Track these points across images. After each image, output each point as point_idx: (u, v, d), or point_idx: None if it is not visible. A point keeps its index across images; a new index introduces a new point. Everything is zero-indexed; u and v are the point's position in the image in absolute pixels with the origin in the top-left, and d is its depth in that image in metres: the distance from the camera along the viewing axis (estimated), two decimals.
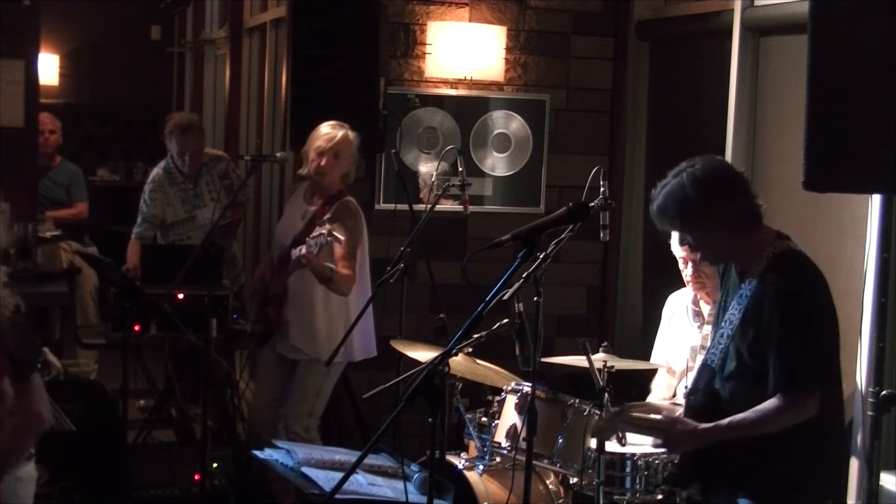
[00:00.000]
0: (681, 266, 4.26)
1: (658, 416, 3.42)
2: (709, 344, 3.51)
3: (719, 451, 3.30)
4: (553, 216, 3.25)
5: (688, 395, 3.48)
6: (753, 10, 4.85)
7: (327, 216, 4.84)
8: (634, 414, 3.49)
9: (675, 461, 3.66)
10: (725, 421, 3.25)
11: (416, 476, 3.27)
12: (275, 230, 6.74)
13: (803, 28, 3.17)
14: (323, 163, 4.93)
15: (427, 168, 5.85)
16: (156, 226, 6.35)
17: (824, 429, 3.26)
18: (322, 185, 5.01)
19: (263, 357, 5.32)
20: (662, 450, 3.51)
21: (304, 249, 4.76)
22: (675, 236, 4.24)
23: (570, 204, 3.25)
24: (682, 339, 4.37)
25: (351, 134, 4.99)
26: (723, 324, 3.35)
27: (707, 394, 3.35)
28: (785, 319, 3.17)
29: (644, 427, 3.47)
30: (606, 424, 3.63)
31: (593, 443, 3.92)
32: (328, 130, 4.96)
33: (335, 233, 4.66)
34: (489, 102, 5.96)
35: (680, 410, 3.54)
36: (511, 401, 4.10)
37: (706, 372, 3.38)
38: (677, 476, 3.59)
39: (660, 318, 4.54)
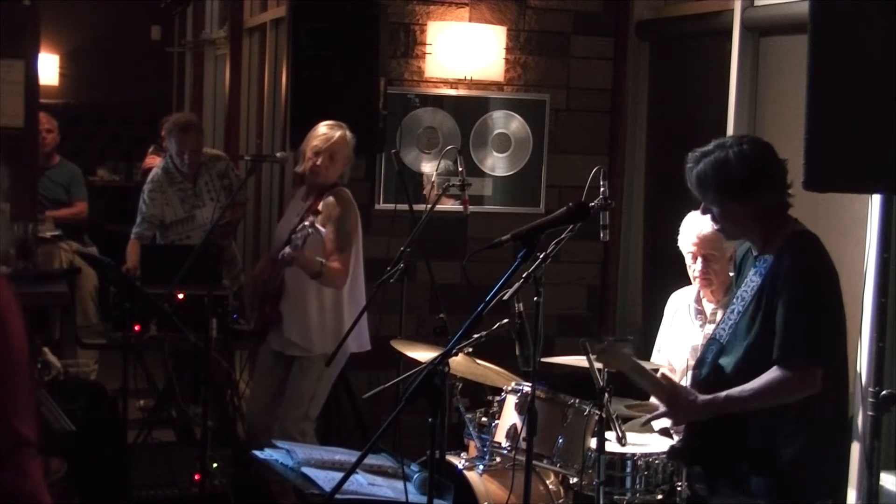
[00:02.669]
0: (688, 261, 4.26)
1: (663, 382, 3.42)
2: (719, 318, 3.51)
3: (723, 437, 3.30)
4: (553, 216, 3.26)
5: (694, 368, 3.48)
6: (753, 10, 4.85)
7: (317, 207, 4.87)
8: (641, 363, 3.48)
9: (681, 439, 3.63)
10: (724, 393, 3.24)
11: (416, 476, 3.27)
12: (275, 230, 6.76)
13: (803, 28, 3.17)
14: (318, 162, 4.94)
15: (428, 168, 5.85)
16: (155, 225, 6.35)
17: (827, 415, 3.26)
18: (317, 184, 5.02)
19: (260, 357, 5.32)
20: (664, 420, 3.49)
21: (289, 248, 4.79)
22: (683, 234, 4.25)
23: (570, 204, 3.25)
24: (684, 337, 4.37)
25: (348, 135, 4.99)
26: (735, 300, 3.36)
27: (713, 367, 3.35)
28: (794, 293, 3.17)
29: (647, 378, 3.44)
30: (611, 349, 3.49)
31: (593, 443, 3.92)
32: (325, 130, 4.97)
33: (317, 224, 4.69)
34: (489, 102, 5.97)
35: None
36: (511, 401, 4.10)
37: (714, 346, 3.38)
38: (680, 451, 3.56)
39: (660, 318, 4.54)
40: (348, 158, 5.04)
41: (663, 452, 4.00)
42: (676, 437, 3.83)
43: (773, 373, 3.18)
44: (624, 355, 3.47)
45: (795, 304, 3.17)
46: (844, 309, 3.31)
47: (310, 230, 4.70)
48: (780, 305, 3.18)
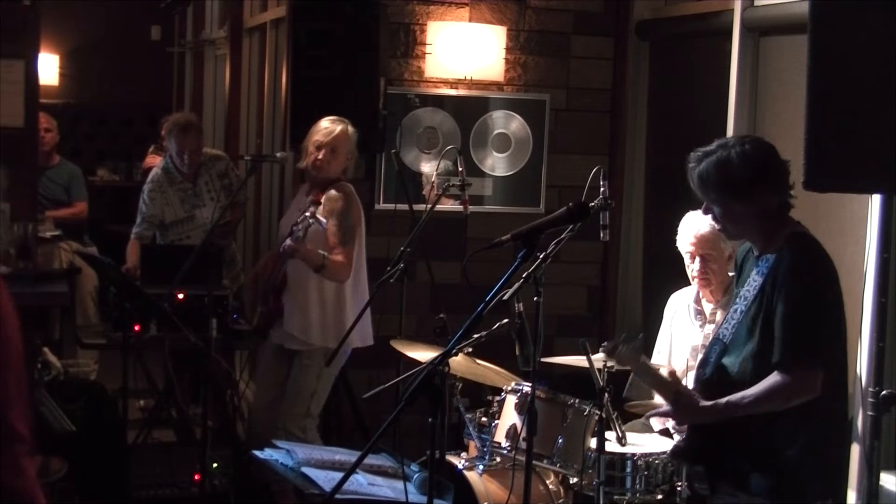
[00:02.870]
0: (687, 261, 4.26)
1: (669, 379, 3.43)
2: (719, 319, 3.52)
3: (725, 437, 3.30)
4: (553, 216, 3.25)
5: (698, 368, 3.48)
6: (753, 10, 4.85)
7: (319, 199, 4.88)
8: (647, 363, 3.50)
9: (683, 441, 3.64)
10: (724, 399, 3.24)
11: (416, 476, 3.27)
12: (275, 229, 6.75)
13: (803, 28, 3.17)
14: (320, 156, 4.95)
15: (428, 168, 5.85)
16: (155, 225, 6.34)
17: (827, 415, 3.26)
18: (320, 179, 5.03)
19: (261, 353, 5.32)
20: (669, 420, 3.50)
21: (290, 240, 4.80)
22: (681, 234, 4.25)
23: (570, 204, 3.25)
24: (684, 338, 4.37)
25: (350, 129, 5.00)
26: (737, 300, 3.37)
27: (716, 368, 3.35)
28: (793, 295, 3.17)
29: (654, 378, 3.46)
30: (623, 350, 3.52)
31: (593, 443, 3.92)
32: (327, 125, 4.99)
33: (318, 215, 4.72)
34: (489, 102, 5.96)
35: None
36: (511, 401, 4.10)
37: (717, 346, 3.38)
38: (683, 451, 3.56)
39: (660, 318, 4.55)
40: (350, 153, 5.04)
41: (663, 452, 4.00)
42: (677, 437, 3.83)
43: (773, 377, 3.18)
44: (633, 355, 3.48)
45: (795, 306, 3.17)
46: (844, 309, 3.31)
47: (310, 220, 4.72)
48: (780, 308, 3.18)
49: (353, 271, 4.99)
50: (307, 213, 4.74)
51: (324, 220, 4.76)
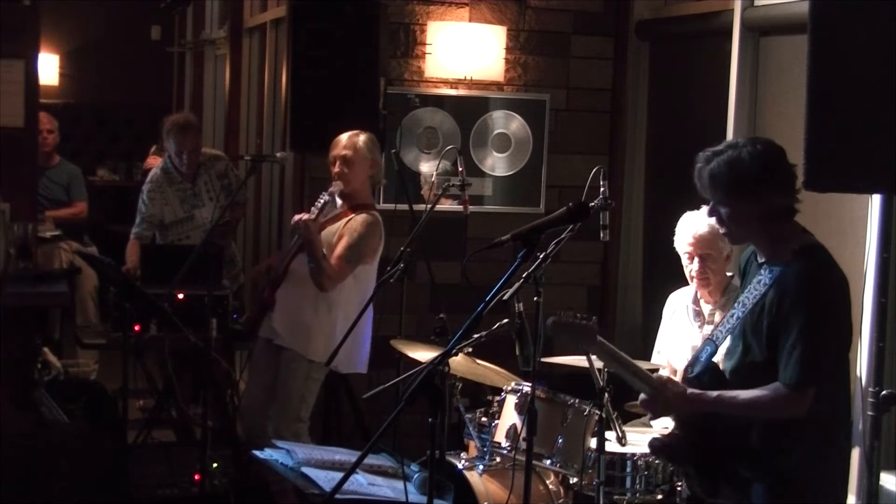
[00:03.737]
0: (685, 262, 4.26)
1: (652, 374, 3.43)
2: (717, 320, 3.52)
3: (726, 440, 3.30)
4: (553, 216, 3.25)
5: (687, 367, 3.48)
6: (753, 10, 4.85)
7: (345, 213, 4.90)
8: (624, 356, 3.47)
9: (670, 433, 3.63)
10: (715, 392, 3.26)
11: (416, 476, 3.27)
12: (275, 230, 6.73)
13: (803, 28, 3.17)
14: (337, 169, 4.96)
15: (428, 168, 5.85)
16: (154, 225, 6.34)
17: (829, 420, 3.26)
18: (347, 192, 5.02)
19: (254, 353, 5.31)
20: (649, 411, 3.51)
21: (305, 215, 4.86)
22: (679, 234, 4.25)
23: (570, 204, 3.25)
24: (683, 338, 4.37)
25: (362, 137, 4.99)
26: (735, 305, 3.36)
27: (707, 368, 3.36)
28: (806, 315, 3.17)
29: (625, 367, 3.43)
30: (577, 331, 3.37)
31: (593, 443, 3.93)
32: (342, 137, 5.00)
33: (336, 196, 4.86)
34: (489, 102, 5.97)
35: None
36: (511, 401, 4.10)
37: (709, 346, 3.39)
38: (674, 448, 3.54)
39: (660, 318, 4.55)
40: (369, 160, 5.02)
41: (650, 414, 3.97)
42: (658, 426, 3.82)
43: (771, 391, 3.18)
44: (606, 351, 3.43)
45: (808, 328, 3.16)
46: (852, 319, 3.30)
47: (327, 198, 4.85)
48: (791, 325, 3.17)
49: (355, 292, 4.98)
50: (325, 193, 4.86)
51: (339, 202, 4.87)
